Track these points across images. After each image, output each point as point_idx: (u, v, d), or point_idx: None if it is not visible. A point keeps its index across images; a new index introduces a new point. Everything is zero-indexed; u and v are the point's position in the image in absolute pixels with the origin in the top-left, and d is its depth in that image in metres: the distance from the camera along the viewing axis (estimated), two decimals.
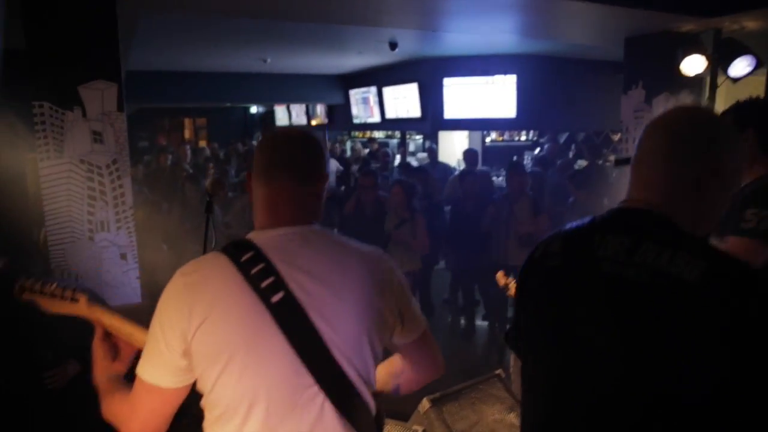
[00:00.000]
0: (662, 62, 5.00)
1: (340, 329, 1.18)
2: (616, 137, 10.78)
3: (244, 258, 1.17)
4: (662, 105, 4.99)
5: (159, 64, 8.69)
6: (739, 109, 2.04)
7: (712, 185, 1.12)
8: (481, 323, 5.75)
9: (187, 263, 1.22)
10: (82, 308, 1.38)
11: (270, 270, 1.16)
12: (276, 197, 1.27)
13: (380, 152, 7.65)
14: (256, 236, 1.24)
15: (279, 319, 1.14)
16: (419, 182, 5.76)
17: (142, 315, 1.55)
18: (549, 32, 5.79)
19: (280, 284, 1.15)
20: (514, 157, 7.47)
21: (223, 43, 6.93)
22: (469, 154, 7.09)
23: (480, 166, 9.87)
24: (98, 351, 1.39)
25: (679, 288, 1.00)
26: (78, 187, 3.31)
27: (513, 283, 1.97)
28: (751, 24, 4.63)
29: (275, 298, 1.14)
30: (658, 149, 1.16)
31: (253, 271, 1.16)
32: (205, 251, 1.71)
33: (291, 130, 1.35)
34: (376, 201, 5.14)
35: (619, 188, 5.43)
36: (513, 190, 5.04)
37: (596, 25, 5.11)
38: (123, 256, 3.47)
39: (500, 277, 2.08)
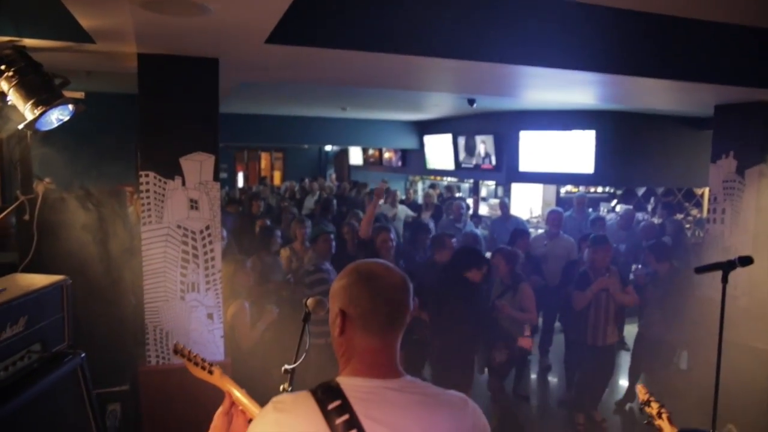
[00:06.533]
0: (756, 132, 4.80)
1: None
2: (700, 192, 10.35)
3: (331, 406, 1.23)
4: (756, 179, 4.77)
5: (243, 108, 9.18)
6: None
7: None
8: None
9: (284, 397, 1.30)
10: (216, 378, 1.69)
11: (353, 422, 1.21)
12: (372, 349, 1.30)
13: (454, 204, 7.63)
14: (346, 384, 1.28)
15: None
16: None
17: (225, 372, 1.71)
18: (631, 102, 5.71)
19: None
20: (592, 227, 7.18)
21: (305, 94, 7.25)
22: (553, 217, 6.56)
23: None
24: (217, 421, 1.59)
25: None
26: (174, 250, 3.55)
27: (656, 403, 1.92)
28: None
29: None
30: None
31: (338, 421, 1.21)
32: (296, 358, 1.79)
33: (390, 271, 1.34)
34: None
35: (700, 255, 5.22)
36: (599, 266, 4.78)
37: (682, 97, 5.00)
38: (210, 316, 3.66)
39: (642, 390, 2.01)
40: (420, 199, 10.80)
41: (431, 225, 6.61)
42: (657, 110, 7.24)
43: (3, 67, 2.62)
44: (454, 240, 5.08)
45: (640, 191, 10.84)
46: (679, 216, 9.31)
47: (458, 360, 4.16)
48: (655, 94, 5.02)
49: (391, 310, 1.31)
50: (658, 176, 8.42)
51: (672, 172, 8.26)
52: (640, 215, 9.45)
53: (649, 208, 10.49)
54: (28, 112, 2.61)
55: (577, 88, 4.73)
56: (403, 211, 9.01)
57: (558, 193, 10.31)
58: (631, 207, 8.61)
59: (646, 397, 1.95)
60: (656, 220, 8.54)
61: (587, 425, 5.00)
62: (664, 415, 1.85)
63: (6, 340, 1.91)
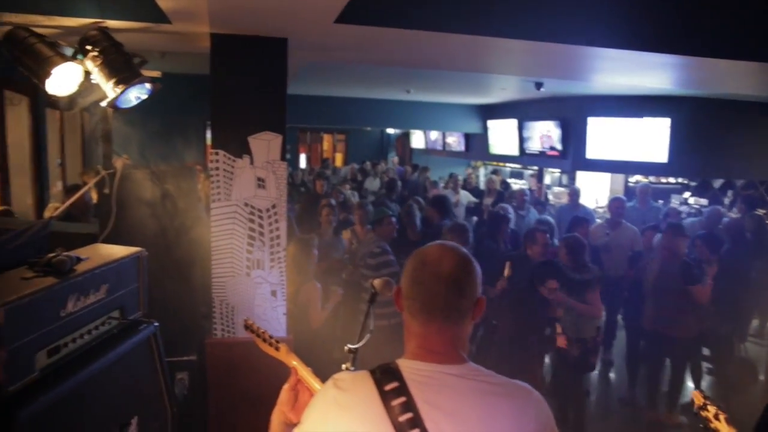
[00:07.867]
0: None
1: None
2: None
3: (388, 387, 1.22)
4: None
5: (307, 90, 9.24)
6: None
7: None
8: None
9: (344, 375, 1.31)
10: (282, 354, 1.71)
11: (410, 405, 1.20)
12: (430, 336, 1.29)
13: (516, 192, 7.49)
14: (405, 366, 1.27)
15: None
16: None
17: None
18: (712, 87, 5.38)
19: (417, 421, 1.18)
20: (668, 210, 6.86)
21: (370, 76, 7.24)
22: (616, 205, 6.34)
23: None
24: (284, 396, 1.59)
25: None
26: (241, 227, 3.65)
27: (713, 406, 1.80)
28: None
29: None
30: None
31: (394, 402, 1.20)
32: (360, 338, 1.81)
33: (444, 258, 1.30)
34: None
35: None
36: (674, 253, 4.68)
37: None
38: (273, 293, 3.76)
39: (698, 396, 1.91)
40: (482, 185, 10.65)
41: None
42: (740, 96, 6.79)
43: (89, 47, 2.75)
44: (547, 235, 4.87)
45: (717, 183, 10.26)
46: (761, 211, 8.74)
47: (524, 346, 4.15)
48: (739, 79, 4.71)
49: (428, 300, 1.28)
50: (740, 167, 7.90)
51: (755, 164, 7.72)
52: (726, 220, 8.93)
53: (726, 201, 9.91)
54: (110, 90, 2.74)
55: (651, 72, 4.50)
56: (465, 196, 8.98)
57: (626, 182, 9.92)
58: (719, 207, 8.02)
59: (701, 401, 1.85)
60: (733, 214, 8.05)
61: (653, 424, 4.85)
62: (721, 417, 1.73)
63: (90, 305, 2.02)
